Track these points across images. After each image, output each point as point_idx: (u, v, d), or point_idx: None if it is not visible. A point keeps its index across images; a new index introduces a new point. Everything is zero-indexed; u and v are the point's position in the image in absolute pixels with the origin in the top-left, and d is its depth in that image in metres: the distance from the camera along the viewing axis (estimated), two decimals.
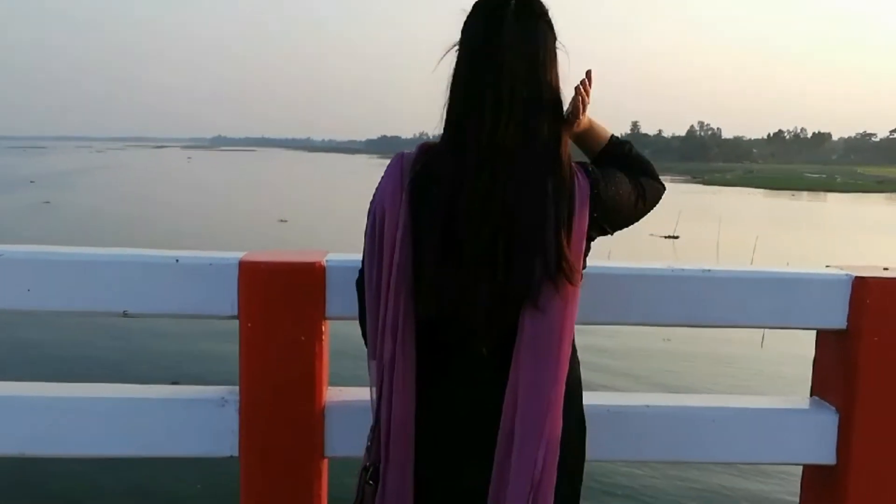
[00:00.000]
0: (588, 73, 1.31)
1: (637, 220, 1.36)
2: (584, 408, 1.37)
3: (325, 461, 1.68)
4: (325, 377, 1.67)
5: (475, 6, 1.25)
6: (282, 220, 24.18)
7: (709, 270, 1.69)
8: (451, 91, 1.25)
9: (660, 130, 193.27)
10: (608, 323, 1.72)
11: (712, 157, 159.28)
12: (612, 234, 1.32)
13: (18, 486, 4.73)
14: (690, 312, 1.69)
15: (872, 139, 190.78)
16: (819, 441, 1.74)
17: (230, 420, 1.64)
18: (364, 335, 1.37)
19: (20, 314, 1.62)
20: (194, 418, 1.66)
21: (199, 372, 7.59)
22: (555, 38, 1.25)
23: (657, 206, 1.40)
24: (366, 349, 1.36)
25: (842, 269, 1.74)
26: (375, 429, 1.30)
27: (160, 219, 24.39)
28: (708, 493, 5.23)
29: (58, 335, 8.51)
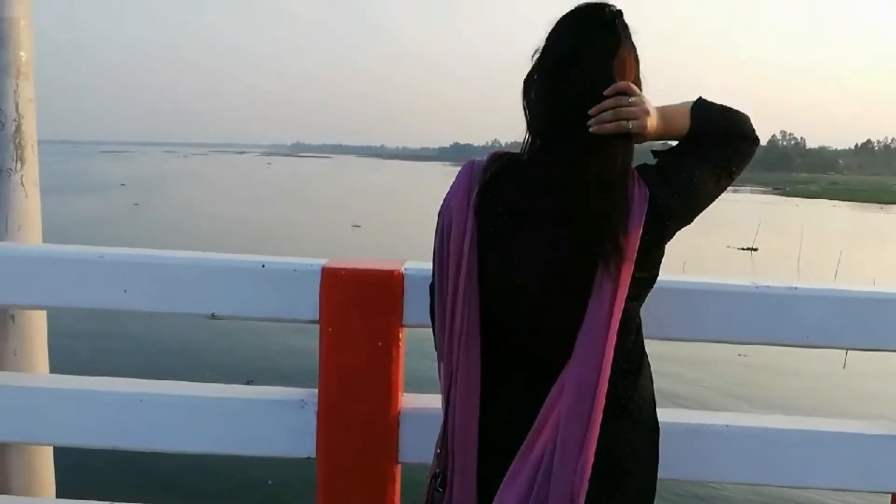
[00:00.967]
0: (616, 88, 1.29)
1: (721, 193, 1.31)
2: (660, 425, 1.35)
3: (399, 467, 1.71)
4: (401, 383, 1.70)
5: (562, 18, 1.25)
6: (355, 226, 24.61)
7: (795, 288, 1.64)
8: (533, 103, 1.26)
9: None
10: (686, 339, 1.69)
11: (795, 168, 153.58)
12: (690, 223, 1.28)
13: (96, 475, 4.96)
14: (774, 331, 1.64)
15: None
16: None
17: (309, 422, 1.68)
18: (436, 341, 1.39)
19: (117, 313, 1.71)
20: (275, 419, 1.72)
21: (270, 373, 7.79)
22: (636, 55, 1.24)
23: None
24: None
25: None
26: (444, 435, 1.32)
27: (239, 221, 25.19)
28: None
29: (146, 333, 8.91)
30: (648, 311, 1.34)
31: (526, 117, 1.27)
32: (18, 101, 1.85)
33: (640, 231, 1.20)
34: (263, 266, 1.68)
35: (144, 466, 5.14)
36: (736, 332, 1.65)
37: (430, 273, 1.66)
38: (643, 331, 1.34)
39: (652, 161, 1.31)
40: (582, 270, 1.20)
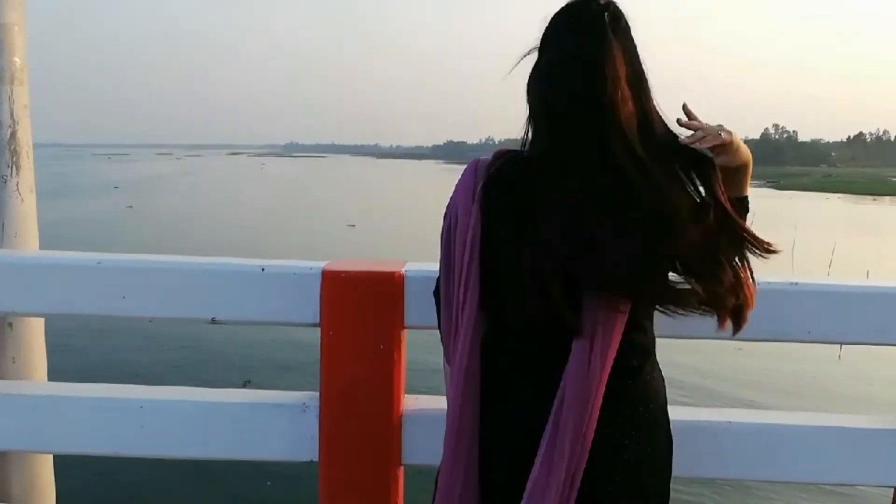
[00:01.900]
0: (684, 108, 1.29)
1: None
2: None
3: (402, 469, 1.71)
4: (403, 385, 1.69)
5: (552, 19, 1.25)
6: (350, 225, 24.58)
7: (796, 283, 1.64)
8: (533, 97, 1.25)
9: None
10: (688, 337, 1.68)
11: (788, 161, 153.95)
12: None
13: (96, 482, 4.95)
14: (776, 327, 1.64)
15: None
16: None
17: (310, 425, 1.68)
18: (443, 341, 1.39)
19: (116, 320, 1.71)
20: (276, 422, 1.71)
21: (271, 376, 7.78)
22: (630, 44, 1.23)
23: None
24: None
25: None
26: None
27: (234, 222, 25.15)
28: None
29: (143, 339, 8.88)
30: None
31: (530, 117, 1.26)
32: (13, 108, 1.84)
33: None
34: (263, 270, 1.67)
35: (144, 471, 5.13)
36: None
37: (432, 274, 1.66)
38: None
39: None
40: (584, 270, 1.18)
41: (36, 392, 1.81)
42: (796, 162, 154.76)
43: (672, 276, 1.22)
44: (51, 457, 2.01)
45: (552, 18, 1.25)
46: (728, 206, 1.21)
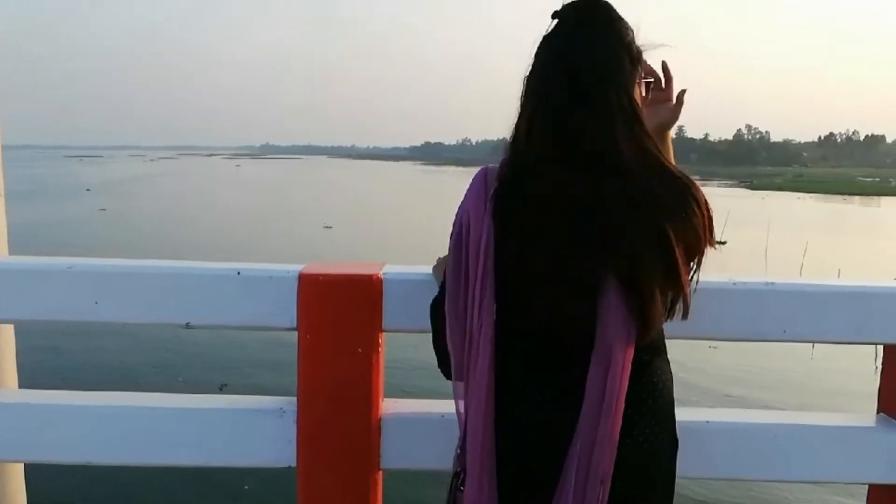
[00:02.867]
0: (664, 67, 1.35)
1: None
2: None
3: (381, 473, 1.69)
4: (381, 389, 1.68)
5: (561, 15, 1.25)
6: (327, 227, 24.48)
7: (772, 283, 1.65)
8: (530, 103, 1.25)
9: (706, 134, 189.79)
10: (666, 337, 1.69)
11: (760, 161, 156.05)
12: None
13: (69, 492, 4.87)
14: (753, 327, 1.66)
15: None
16: (887, 460, 1.68)
17: (288, 430, 1.66)
18: (438, 353, 1.38)
19: (88, 325, 1.67)
20: (253, 428, 1.69)
21: (247, 381, 7.71)
22: (627, 43, 1.23)
23: None
24: (437, 367, 1.38)
25: None
26: (464, 437, 1.30)
27: (209, 225, 24.91)
28: None
29: (119, 344, 8.77)
30: None
31: (528, 118, 1.25)
32: None
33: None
34: (239, 273, 1.65)
35: (118, 477, 5.05)
36: (714, 328, 1.66)
37: (410, 277, 1.65)
38: None
39: None
40: (597, 273, 1.20)
41: (6, 400, 1.76)
42: (769, 162, 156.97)
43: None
44: (21, 466, 1.97)
45: (555, 18, 1.25)
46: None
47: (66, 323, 1.71)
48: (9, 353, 1.91)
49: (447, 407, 1.72)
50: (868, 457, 1.70)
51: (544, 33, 1.25)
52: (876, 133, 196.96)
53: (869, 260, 19.17)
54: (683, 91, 1.42)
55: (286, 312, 1.63)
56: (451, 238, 1.30)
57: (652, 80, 1.37)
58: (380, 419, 1.66)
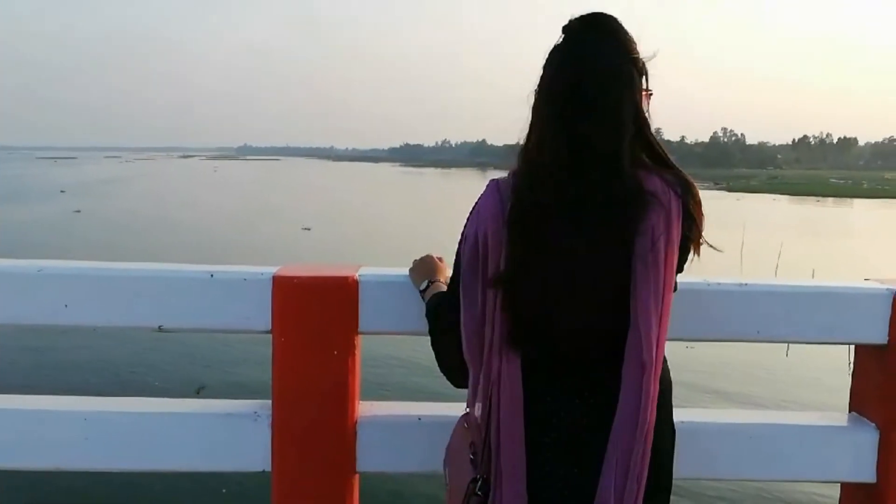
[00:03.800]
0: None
1: None
2: None
3: (357, 476, 1.68)
4: (358, 392, 1.67)
5: (572, 29, 1.27)
6: (305, 228, 24.35)
7: (745, 284, 1.66)
8: (542, 114, 1.27)
9: (682, 137, 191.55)
10: None
11: (736, 163, 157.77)
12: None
13: (46, 499, 4.79)
14: (726, 327, 1.67)
15: None
16: (858, 458, 1.70)
17: (263, 435, 1.64)
18: (441, 356, 1.41)
19: (57, 329, 1.64)
20: (227, 433, 1.67)
21: (222, 384, 7.64)
22: (633, 56, 1.26)
23: None
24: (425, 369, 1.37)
25: (882, 282, 1.71)
26: (484, 441, 1.30)
27: (185, 227, 24.67)
28: None
29: (90, 347, 8.64)
30: None
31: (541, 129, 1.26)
32: None
33: (679, 233, 1.26)
34: (212, 275, 1.63)
35: (88, 484, 4.97)
36: (689, 328, 1.67)
37: (386, 279, 1.64)
38: None
39: None
40: (620, 274, 1.23)
41: None
42: (744, 164, 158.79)
43: None
44: None
45: (564, 32, 1.27)
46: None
47: (36, 326, 1.68)
48: None
49: (424, 409, 1.72)
50: (840, 455, 1.72)
51: (554, 45, 1.27)
52: (848, 136, 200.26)
53: (844, 259, 19.48)
54: None
55: (261, 315, 1.61)
56: (463, 250, 1.30)
57: (652, 91, 1.39)
58: (356, 422, 1.65)
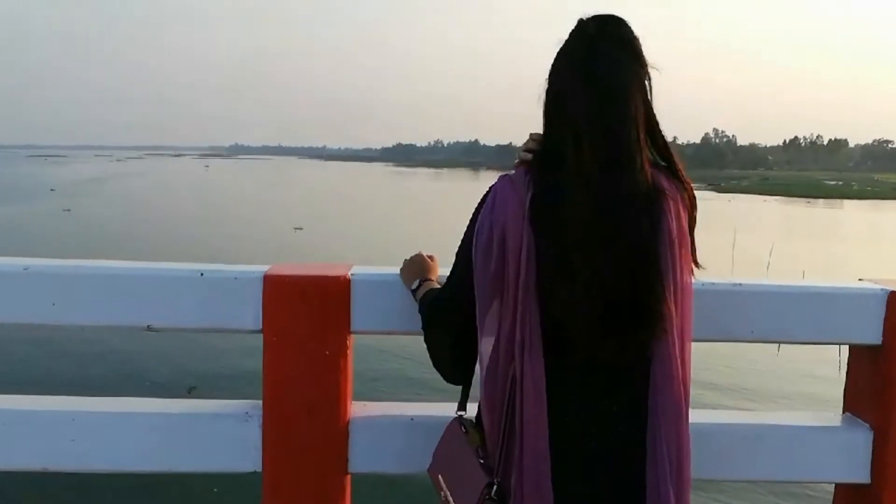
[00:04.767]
0: None
1: None
2: None
3: (349, 477, 1.67)
4: (350, 392, 1.65)
5: (573, 32, 1.29)
6: (297, 228, 24.29)
7: (739, 284, 1.66)
8: (558, 114, 1.28)
9: (674, 137, 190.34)
10: None
11: (727, 164, 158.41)
12: None
13: (32, 501, 4.75)
14: (719, 328, 1.66)
15: (890, 146, 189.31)
16: (852, 459, 1.70)
17: (253, 435, 1.62)
18: (436, 355, 1.39)
19: (45, 328, 1.62)
20: (217, 433, 1.65)
21: (215, 378, 7.61)
22: (644, 61, 1.29)
23: None
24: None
25: (876, 283, 1.71)
26: (501, 444, 1.28)
27: (177, 227, 24.57)
28: None
29: (78, 347, 8.58)
30: None
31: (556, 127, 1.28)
32: None
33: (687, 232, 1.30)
34: (202, 274, 1.61)
35: (76, 484, 4.93)
36: None
37: (378, 278, 1.63)
38: None
39: None
40: (645, 271, 1.24)
41: None
42: (735, 165, 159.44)
43: None
44: None
45: (576, 34, 1.28)
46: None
47: (22, 325, 1.66)
48: None
49: (417, 410, 1.70)
50: (834, 456, 1.71)
51: (571, 43, 1.28)
52: (839, 137, 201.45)
53: (835, 260, 19.57)
54: None
55: (251, 314, 1.59)
56: (475, 243, 1.28)
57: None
58: (348, 423, 1.64)
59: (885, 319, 1.64)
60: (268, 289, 1.58)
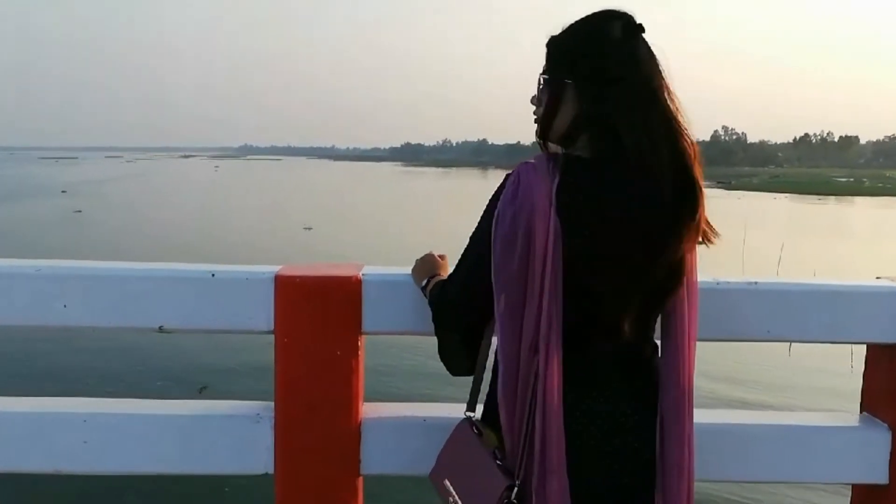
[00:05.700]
0: None
1: None
2: None
3: (361, 479, 1.66)
4: (361, 393, 1.64)
5: (598, 22, 1.27)
6: (307, 228, 24.32)
7: (755, 283, 1.64)
8: (585, 106, 1.26)
9: None
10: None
11: (737, 162, 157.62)
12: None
13: (35, 500, 4.77)
14: (735, 327, 1.64)
15: None
16: (870, 460, 1.68)
17: (265, 436, 1.62)
18: (444, 347, 1.39)
19: (56, 330, 1.62)
20: (229, 435, 1.65)
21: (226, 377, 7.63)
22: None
23: None
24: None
25: (893, 280, 1.68)
26: (521, 444, 1.25)
27: (187, 227, 24.66)
28: None
29: (89, 348, 8.62)
30: None
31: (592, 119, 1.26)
32: None
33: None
34: (213, 275, 1.60)
35: (89, 486, 4.95)
36: (699, 328, 1.64)
37: (390, 278, 1.61)
38: None
39: None
40: (666, 264, 1.25)
41: None
42: (745, 163, 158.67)
43: None
44: None
45: (595, 28, 1.26)
46: None
47: (34, 327, 1.65)
48: None
49: (429, 411, 1.69)
50: (852, 457, 1.69)
51: (580, 41, 1.27)
52: (850, 134, 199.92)
53: (847, 258, 19.43)
54: None
55: (263, 315, 1.59)
56: (497, 232, 1.24)
57: None
58: (360, 424, 1.63)
59: None
60: (279, 289, 1.57)
